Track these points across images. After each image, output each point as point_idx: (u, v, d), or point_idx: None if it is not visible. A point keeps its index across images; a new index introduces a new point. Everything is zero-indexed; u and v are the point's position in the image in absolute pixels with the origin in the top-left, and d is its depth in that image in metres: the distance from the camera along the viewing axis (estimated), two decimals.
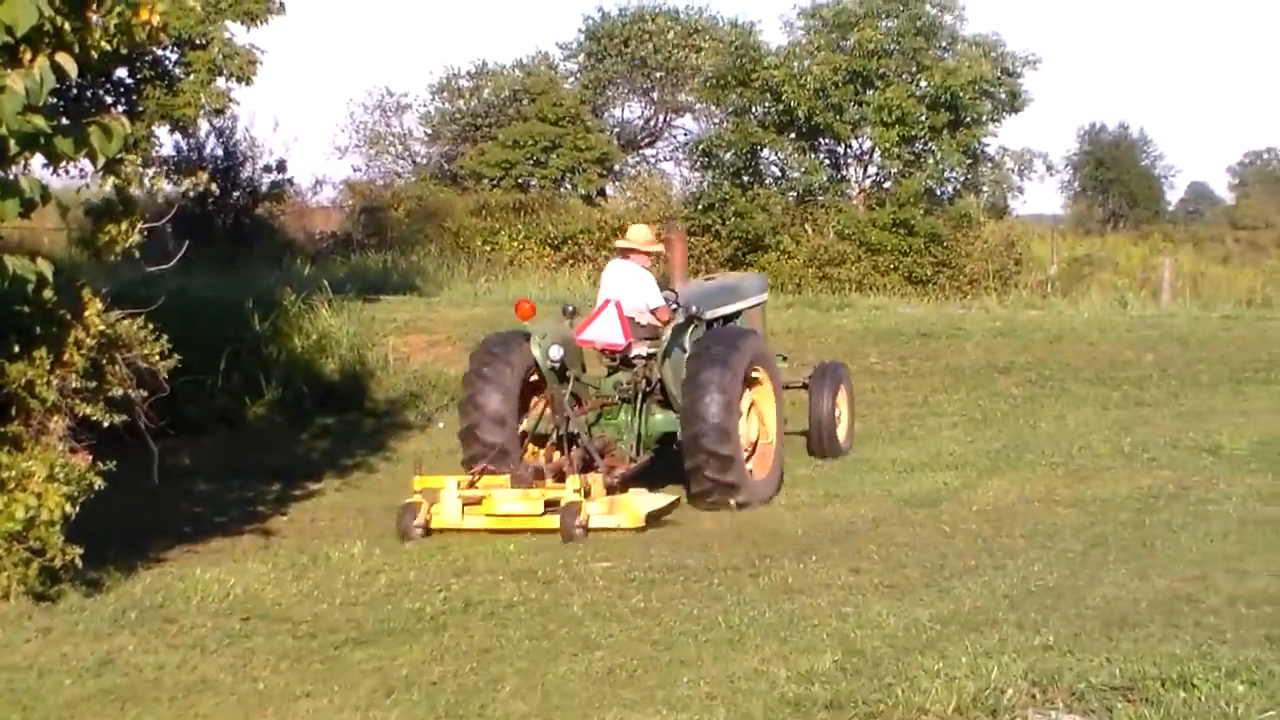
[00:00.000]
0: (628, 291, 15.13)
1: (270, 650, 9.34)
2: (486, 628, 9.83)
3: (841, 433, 17.12)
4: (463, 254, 36.50)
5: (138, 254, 10.95)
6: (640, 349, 14.98)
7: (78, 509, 10.46)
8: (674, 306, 15.07)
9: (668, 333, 14.87)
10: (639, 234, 15.70)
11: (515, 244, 38.82)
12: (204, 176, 11.80)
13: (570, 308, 15.32)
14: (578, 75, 55.82)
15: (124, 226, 10.73)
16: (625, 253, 15.55)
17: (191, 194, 13.98)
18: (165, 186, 12.59)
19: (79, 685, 8.58)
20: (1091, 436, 16.94)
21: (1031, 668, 8.05)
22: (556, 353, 14.47)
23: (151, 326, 11.33)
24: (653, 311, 15.08)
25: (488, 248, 38.26)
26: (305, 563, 11.79)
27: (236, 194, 36.36)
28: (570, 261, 37.82)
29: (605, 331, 14.90)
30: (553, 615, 10.12)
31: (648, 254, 15.51)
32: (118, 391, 11.08)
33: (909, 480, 15.01)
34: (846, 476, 15.45)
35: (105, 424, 11.00)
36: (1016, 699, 7.65)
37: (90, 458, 10.74)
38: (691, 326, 15.11)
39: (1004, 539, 11.97)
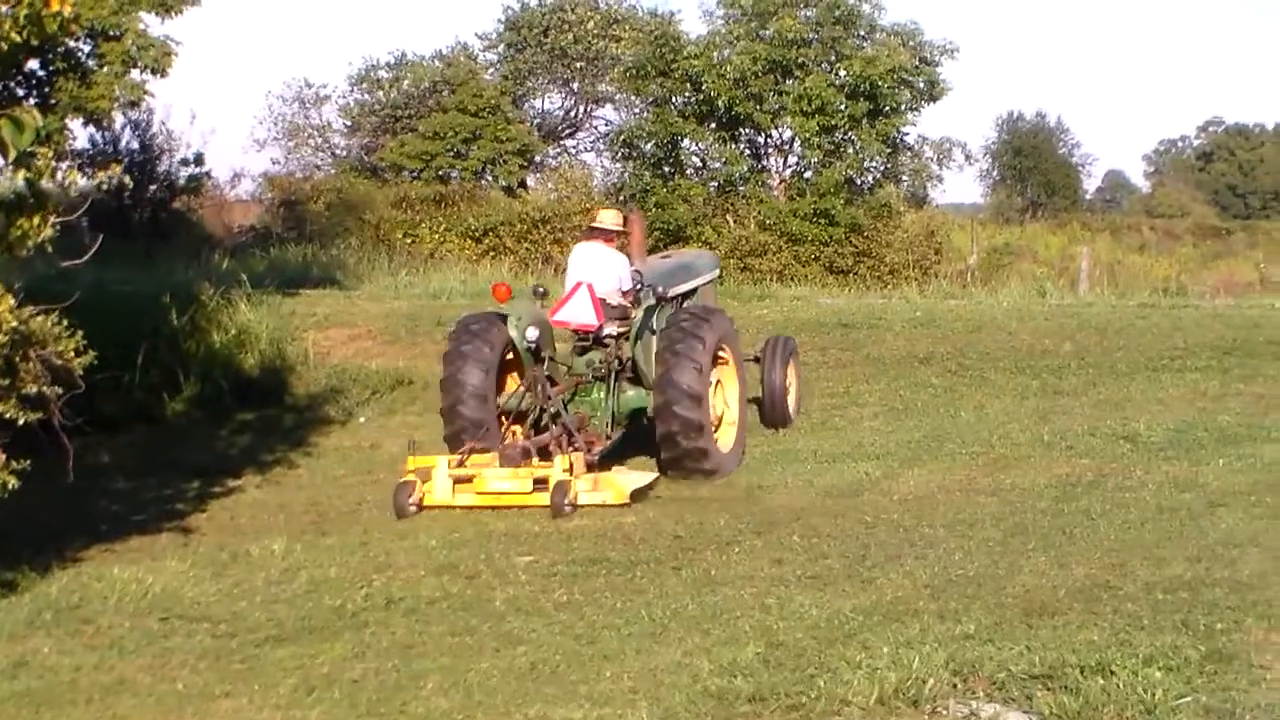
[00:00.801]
0: (599, 274, 15.81)
1: (189, 650, 9.26)
2: (408, 624, 9.78)
3: (791, 402, 18.08)
4: (383, 247, 36.31)
5: (51, 249, 10.81)
6: (611, 328, 15.70)
7: None
8: (640, 287, 15.90)
9: (639, 314, 15.64)
10: (609, 218, 16.46)
11: (436, 236, 38.68)
12: (118, 169, 11.67)
13: (541, 289, 16.21)
14: (498, 66, 55.68)
15: (36, 221, 10.58)
16: (594, 235, 16.21)
17: (106, 188, 13.81)
18: (80, 180, 12.43)
19: None
20: (1011, 425, 17.04)
21: (952, 657, 8.09)
22: (533, 334, 15.19)
23: (66, 322, 11.19)
24: (624, 293, 15.83)
25: (408, 240, 38.08)
26: (225, 560, 11.71)
27: (153, 188, 36.09)
28: (491, 254, 37.70)
29: (578, 313, 15.59)
30: (475, 611, 10.08)
31: (618, 233, 16.27)
32: (32, 389, 10.94)
33: (831, 471, 15.05)
34: (769, 467, 15.48)
35: (19, 422, 10.85)
36: (938, 689, 7.68)
37: (3, 456, 10.61)
38: (660, 307, 15.85)
39: (925, 528, 12.01)
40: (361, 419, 19.80)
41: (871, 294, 31.55)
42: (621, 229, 16.46)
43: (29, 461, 10.72)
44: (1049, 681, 7.73)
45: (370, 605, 10.28)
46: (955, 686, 7.75)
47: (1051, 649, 8.18)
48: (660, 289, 15.94)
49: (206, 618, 10.01)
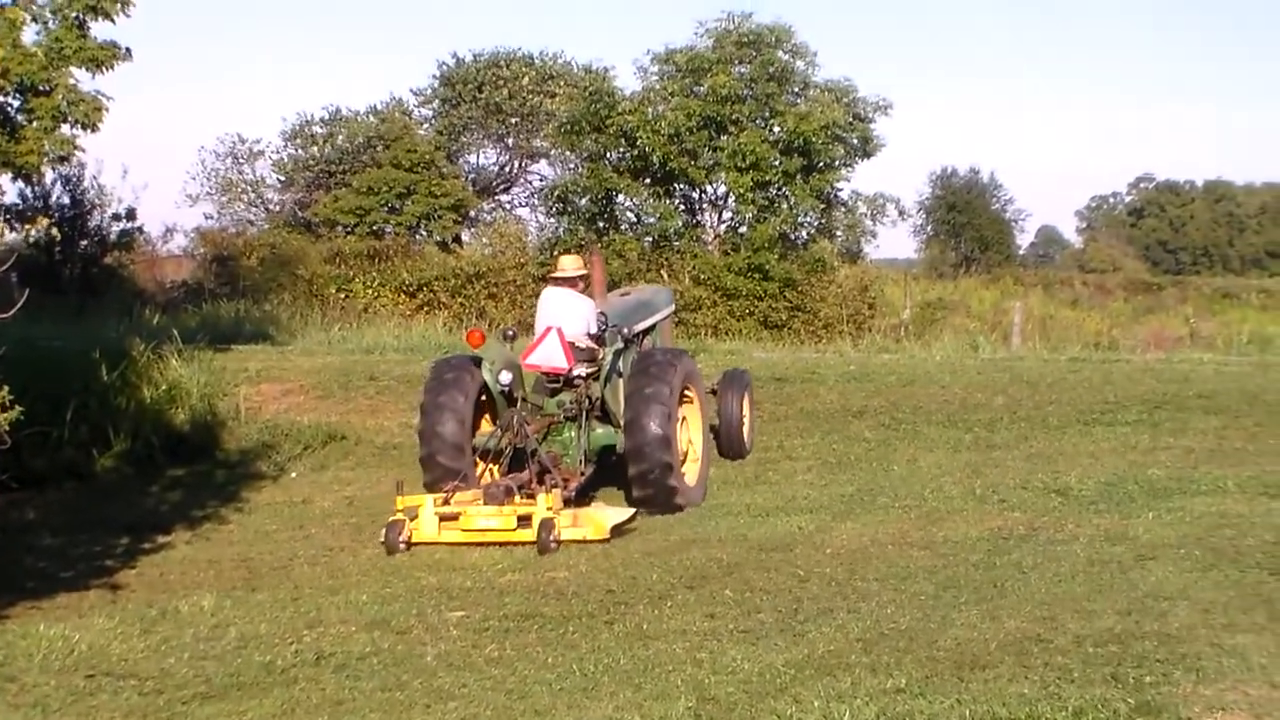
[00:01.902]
0: (566, 318, 16.54)
1: (115, 708, 9.16)
2: (338, 680, 9.70)
3: (746, 433, 19.18)
4: (317, 302, 36.27)
5: None
6: (580, 370, 16.46)
7: None
8: (605, 329, 16.62)
9: (608, 355, 16.48)
10: (570, 263, 17.26)
11: (370, 291, 38.63)
12: (45, 223, 11.62)
13: (510, 331, 16.96)
14: (432, 121, 55.76)
15: None
16: (559, 282, 16.94)
17: (34, 241, 13.75)
18: (8, 234, 12.34)
19: None
20: (943, 479, 17.10)
21: (883, 711, 8.10)
22: (506, 377, 15.98)
23: None
24: (590, 335, 16.53)
25: (342, 295, 38.02)
26: (154, 617, 11.59)
27: (84, 243, 35.89)
28: (426, 308, 37.68)
29: (549, 356, 16.33)
30: (406, 666, 10.01)
31: (580, 279, 17.03)
32: None
33: (764, 524, 15.05)
34: (702, 521, 15.47)
35: None
36: None
37: None
38: (626, 348, 16.72)
39: (857, 582, 12.02)
40: (293, 474, 19.67)
41: (806, 348, 31.66)
42: (583, 272, 17.15)
43: None
44: None
45: (300, 661, 10.20)
46: None
47: (982, 702, 8.20)
48: (625, 329, 16.78)
49: (134, 675, 9.90)
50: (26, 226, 12.04)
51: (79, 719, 8.92)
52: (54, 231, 13.18)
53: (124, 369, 21.14)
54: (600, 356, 16.61)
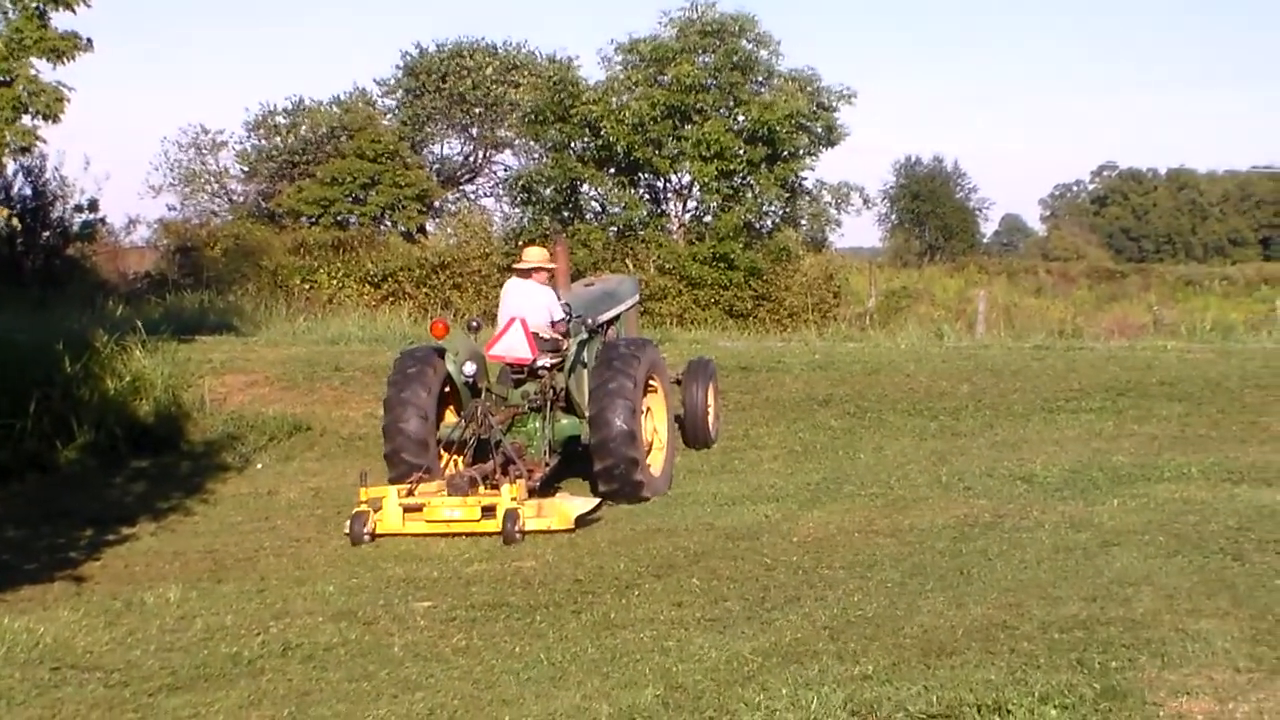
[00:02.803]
0: (530, 309, 16.50)
1: (80, 700, 9.12)
2: (305, 671, 9.68)
3: (711, 422, 19.15)
4: (281, 293, 36.17)
5: None
6: (544, 360, 16.42)
7: None
8: (569, 319, 16.63)
9: (572, 346, 16.51)
10: (535, 254, 17.15)
11: (334, 282, 38.55)
12: (5, 213, 11.56)
13: (475, 323, 17.00)
14: (396, 111, 55.66)
15: None
16: (524, 273, 16.86)
17: None
18: None
19: None
20: (909, 467, 17.14)
21: (850, 698, 8.11)
22: (470, 368, 16.11)
23: None
24: (554, 324, 16.52)
25: (306, 286, 37.95)
26: (119, 609, 11.56)
27: (46, 234, 35.69)
28: (391, 299, 37.63)
29: (513, 347, 16.30)
30: (373, 657, 10.00)
31: (545, 271, 16.91)
32: None
33: (730, 513, 15.07)
34: (668, 510, 15.48)
35: None
36: None
37: None
38: (590, 339, 16.74)
39: (824, 570, 12.05)
40: (259, 465, 19.63)
41: (771, 337, 31.70)
42: (547, 264, 17.06)
43: None
44: None
45: (267, 652, 10.17)
46: None
47: (949, 688, 8.22)
48: (589, 320, 16.89)
49: (99, 667, 9.87)
50: None
51: (44, 711, 8.88)
52: (15, 223, 13.19)
53: (87, 360, 21.03)
54: (565, 347, 16.62)
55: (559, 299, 16.94)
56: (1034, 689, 8.10)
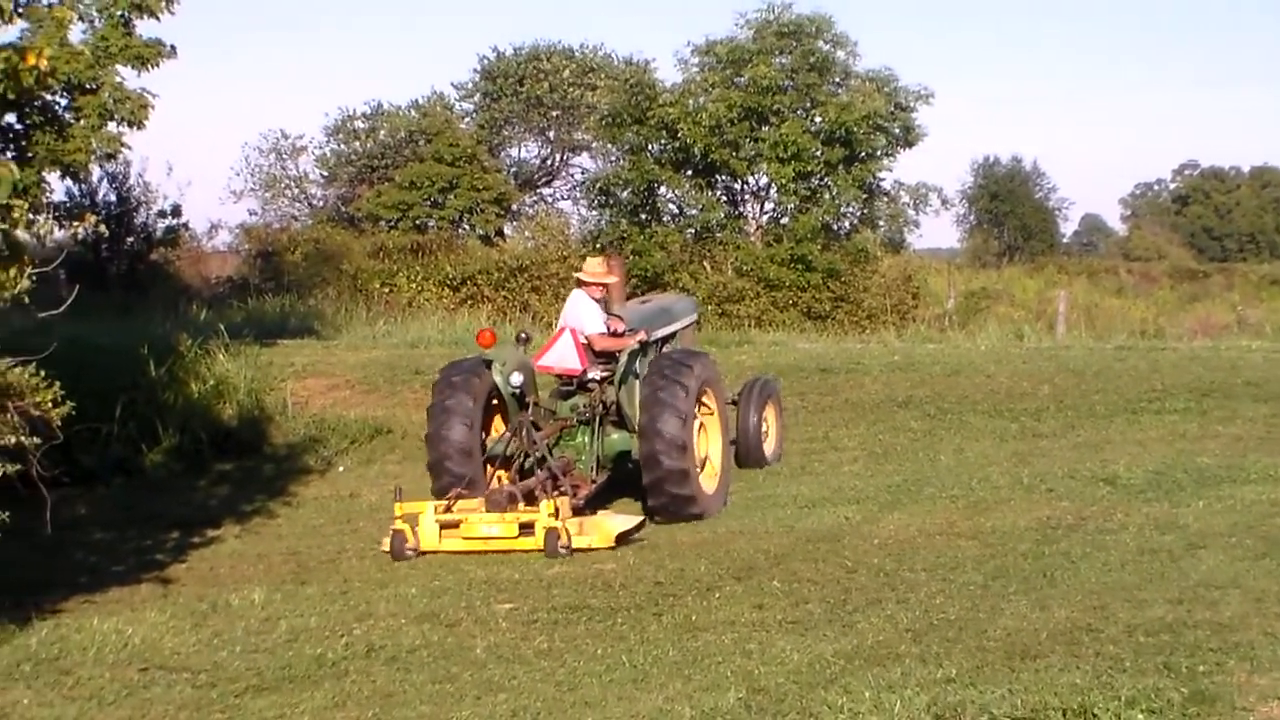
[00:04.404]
0: (580, 320, 16.04)
1: (169, 700, 9.22)
2: (389, 673, 9.75)
3: (770, 445, 18.30)
4: (361, 296, 36.35)
5: (27, 300, 10.81)
6: (594, 373, 15.86)
7: None
8: (624, 331, 16.04)
9: (624, 358, 15.76)
10: (591, 266, 16.67)
11: (413, 285, 38.69)
12: (92, 219, 11.69)
13: (524, 335, 16.28)
14: (473, 115, 55.86)
15: (13, 273, 10.58)
16: (581, 284, 16.46)
17: (82, 238, 13.83)
18: (56, 232, 12.41)
19: None
20: (990, 469, 17.03)
21: (934, 701, 8.07)
22: (517, 379, 15.45)
23: (44, 374, 11.19)
24: (588, 338, 15.91)
25: (386, 290, 38.12)
26: (205, 610, 11.67)
27: (130, 240, 36.07)
28: (469, 302, 37.74)
29: (563, 357, 15.80)
30: (455, 659, 10.05)
31: (599, 284, 16.38)
32: (10, 440, 10.92)
33: (811, 515, 15.03)
34: (749, 513, 15.46)
35: None
36: None
37: None
38: (644, 351, 16.08)
39: (905, 572, 12.00)
40: (340, 468, 19.77)
41: (849, 338, 31.62)
42: (603, 277, 16.49)
43: (8, 514, 10.70)
44: None
45: (351, 654, 10.25)
46: None
47: (1033, 692, 8.17)
48: (647, 334, 16.31)
49: (186, 668, 9.97)
50: (75, 224, 12.13)
51: (133, 712, 8.98)
52: (101, 228, 13.37)
53: (171, 365, 21.25)
54: (622, 332, 16.11)
55: (608, 314, 16.32)
56: (1120, 693, 8.03)
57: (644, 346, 16.16)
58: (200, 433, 20.36)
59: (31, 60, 9.90)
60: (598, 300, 16.31)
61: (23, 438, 11.03)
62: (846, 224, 41.50)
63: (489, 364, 15.58)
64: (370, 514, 16.58)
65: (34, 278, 10.77)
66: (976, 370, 23.33)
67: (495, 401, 15.80)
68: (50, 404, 11.14)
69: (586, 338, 15.96)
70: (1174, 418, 19.97)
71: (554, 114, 54.89)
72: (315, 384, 23.07)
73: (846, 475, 17.62)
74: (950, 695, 8.20)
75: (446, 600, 11.89)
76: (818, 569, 12.31)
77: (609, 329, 16.09)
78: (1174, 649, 9.10)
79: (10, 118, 18.71)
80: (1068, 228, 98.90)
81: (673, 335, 17.62)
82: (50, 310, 12.17)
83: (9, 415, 10.96)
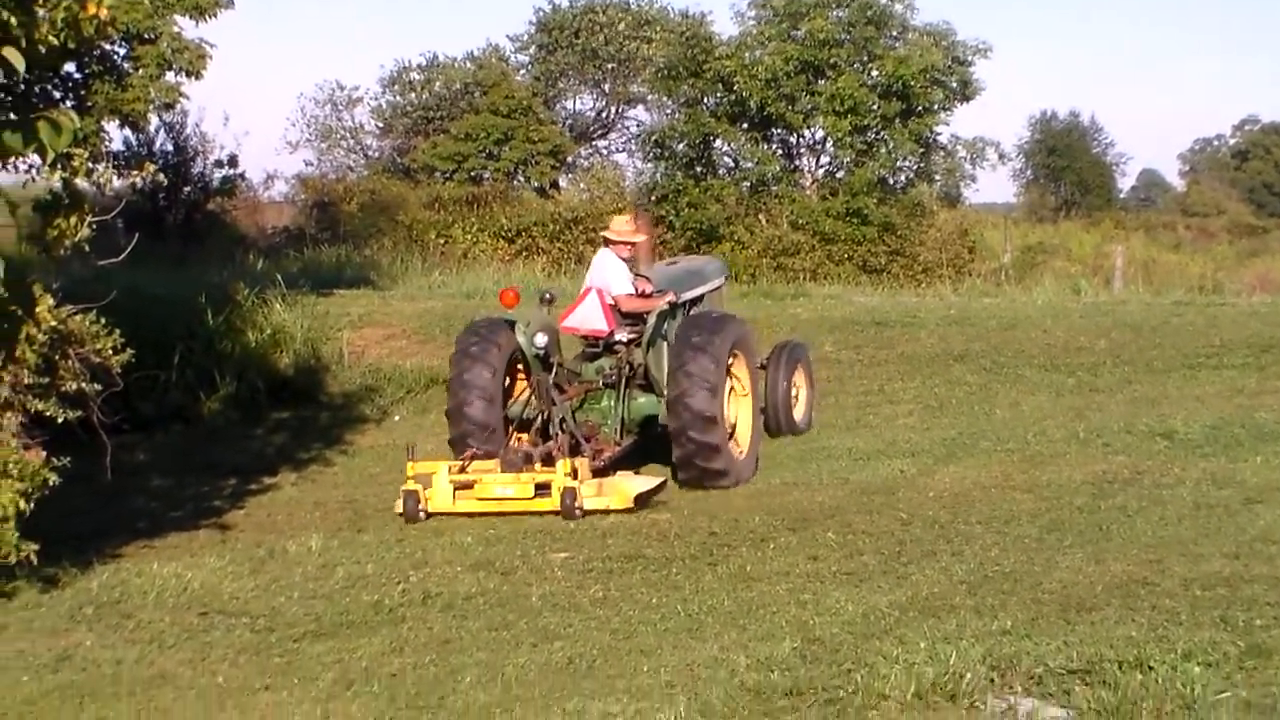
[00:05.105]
0: (608, 279, 15.52)
1: (229, 644, 9.32)
2: (445, 620, 9.81)
3: (799, 411, 17.61)
4: (416, 247, 36.38)
5: (88, 248, 10.89)
6: (621, 334, 15.26)
7: (32, 505, 10.42)
8: (653, 292, 15.51)
9: (652, 319, 15.12)
10: (618, 224, 16.13)
11: (469, 237, 38.70)
12: (151, 168, 11.76)
13: (548, 294, 15.48)
14: (529, 67, 55.78)
15: (73, 221, 10.66)
16: (608, 243, 15.92)
17: (140, 187, 13.90)
18: (115, 181, 12.49)
19: (37, 681, 8.54)
20: (1046, 422, 16.99)
21: (989, 652, 8.08)
22: (541, 340, 14.73)
23: (104, 322, 11.29)
24: (615, 299, 15.37)
25: (441, 241, 38.14)
26: (262, 557, 11.77)
27: (187, 189, 36.19)
28: (525, 254, 37.74)
29: (588, 318, 15.22)
30: (511, 607, 10.10)
31: (627, 244, 15.85)
32: (71, 387, 11.04)
33: (866, 468, 15.04)
34: (803, 465, 15.47)
35: (59, 420, 10.95)
36: (975, 683, 7.66)
37: (44, 454, 10.69)
38: (672, 313, 15.46)
39: (960, 525, 12.00)
40: (396, 417, 19.86)
41: (905, 292, 31.56)
42: (631, 236, 15.99)
43: (69, 459, 10.81)
44: (1087, 676, 7.71)
45: (407, 601, 10.32)
46: (993, 681, 7.74)
47: (1089, 644, 8.17)
48: (676, 295, 15.73)
49: (245, 613, 10.07)
50: (135, 173, 12.20)
51: (194, 654, 9.07)
52: (160, 178, 13.48)
53: (228, 314, 21.38)
54: (649, 293, 15.58)
55: (636, 274, 15.86)
56: (1176, 646, 8.02)
57: (673, 308, 15.57)
58: (257, 381, 20.48)
59: (91, 9, 9.92)
60: (625, 260, 15.80)
61: (84, 384, 11.15)
62: (902, 178, 41.32)
63: (512, 325, 14.99)
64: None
65: (94, 226, 10.85)
66: (1033, 325, 23.25)
67: (520, 365, 15.28)
68: (110, 351, 11.25)
69: (613, 298, 15.42)
70: (1232, 373, 19.86)
71: (609, 66, 54.76)
72: (371, 334, 23.17)
73: (901, 428, 17.60)
74: (1005, 647, 8.21)
75: (502, 549, 11.95)
76: (872, 521, 12.32)
77: (637, 289, 15.63)
78: (1230, 603, 9.09)
79: (70, 67, 18.85)
80: (1125, 183, 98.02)
81: (701, 298, 16.98)
82: (109, 259, 12.27)
83: (70, 362, 11.08)
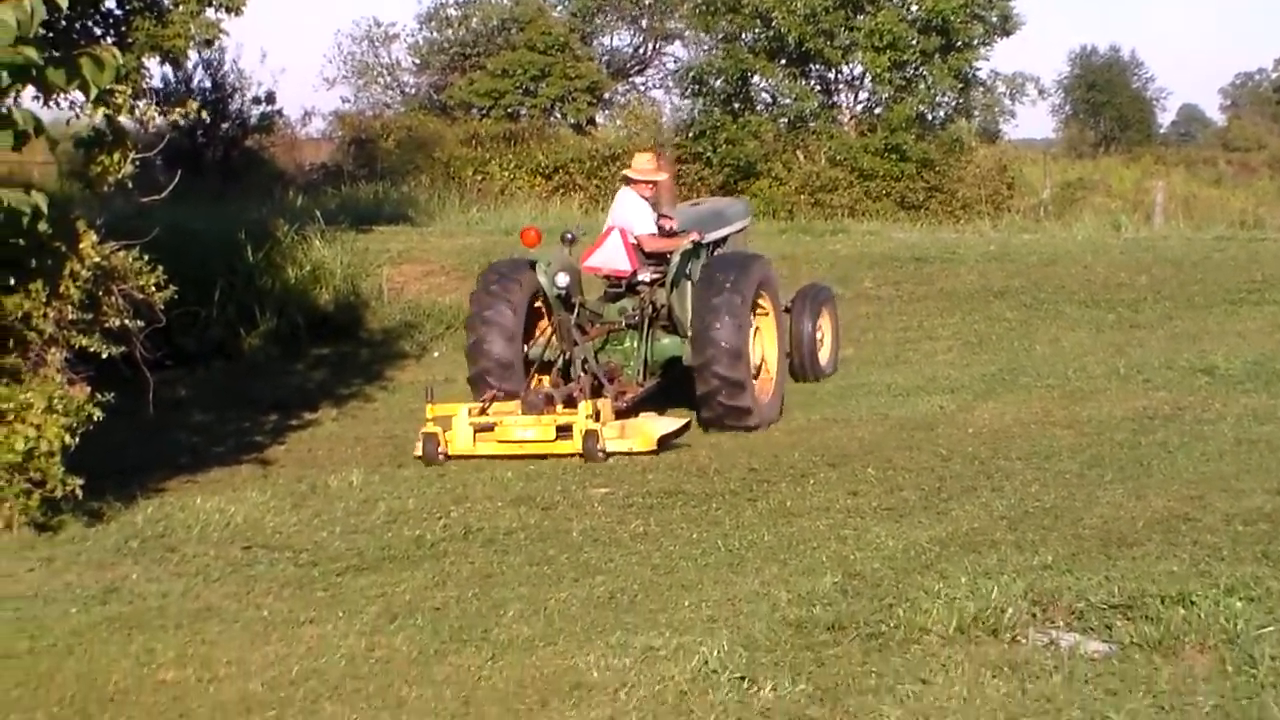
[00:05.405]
0: (630, 219, 15.22)
1: (273, 578, 9.38)
2: (486, 554, 9.85)
3: (824, 355, 17.26)
4: (454, 184, 36.41)
5: (130, 185, 10.93)
6: (645, 274, 14.99)
7: (77, 440, 10.51)
8: (675, 231, 15.19)
9: (676, 259, 14.81)
10: (639, 162, 15.76)
11: (506, 174, 38.70)
12: (193, 105, 11.78)
13: (569, 234, 15.15)
14: (566, 3, 55.55)
15: (116, 157, 10.70)
16: (630, 181, 15.60)
17: (181, 123, 13.92)
18: (156, 118, 12.50)
19: (85, 613, 8.61)
20: (1086, 358, 16.94)
21: (1031, 587, 8.08)
22: (563, 280, 14.39)
23: (146, 258, 11.35)
24: (638, 239, 15.12)
25: (479, 178, 38.15)
26: (304, 491, 11.84)
27: (226, 126, 36.24)
28: (561, 191, 37.73)
29: (611, 258, 14.96)
30: (552, 541, 10.14)
31: (648, 183, 15.52)
32: (114, 323, 11.12)
33: (905, 404, 15.02)
34: (843, 401, 15.47)
35: (103, 355, 11.03)
36: (1017, 618, 7.66)
37: (88, 389, 10.78)
38: (696, 253, 15.09)
39: (1000, 461, 11.98)
40: (435, 353, 19.93)
41: (944, 228, 31.45)
42: (654, 175, 15.66)
43: (112, 395, 10.89)
44: (1129, 611, 7.69)
45: (449, 535, 10.36)
46: (1034, 616, 7.73)
47: (1130, 579, 8.16)
48: (700, 235, 15.35)
49: (288, 547, 10.13)
50: (177, 109, 12.22)
51: (238, 588, 9.14)
52: (203, 114, 13.50)
53: (269, 250, 21.47)
54: (672, 229, 15.26)
55: (658, 213, 15.51)
56: (1219, 581, 8.00)
57: (696, 248, 15.06)
58: (297, 317, 20.59)
59: None
60: (647, 199, 15.48)
61: (126, 320, 11.21)
62: (941, 114, 41.13)
63: (533, 265, 14.63)
64: (465, 398, 16.67)
65: (136, 163, 10.89)
66: (1073, 260, 23.16)
67: (540, 305, 14.94)
68: (153, 287, 11.32)
69: (636, 238, 15.15)
70: (1273, 309, 19.78)
71: (647, 2, 54.51)
72: (410, 270, 23.23)
73: (941, 364, 17.58)
74: (1047, 581, 8.21)
75: (542, 484, 11.99)
76: (912, 457, 12.31)
77: (660, 229, 15.33)
78: (1272, 538, 9.06)
79: (111, 3, 18.82)
80: (1165, 118, 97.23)
81: (725, 240, 16.63)
82: (151, 196, 12.32)
83: (114, 298, 11.15)
